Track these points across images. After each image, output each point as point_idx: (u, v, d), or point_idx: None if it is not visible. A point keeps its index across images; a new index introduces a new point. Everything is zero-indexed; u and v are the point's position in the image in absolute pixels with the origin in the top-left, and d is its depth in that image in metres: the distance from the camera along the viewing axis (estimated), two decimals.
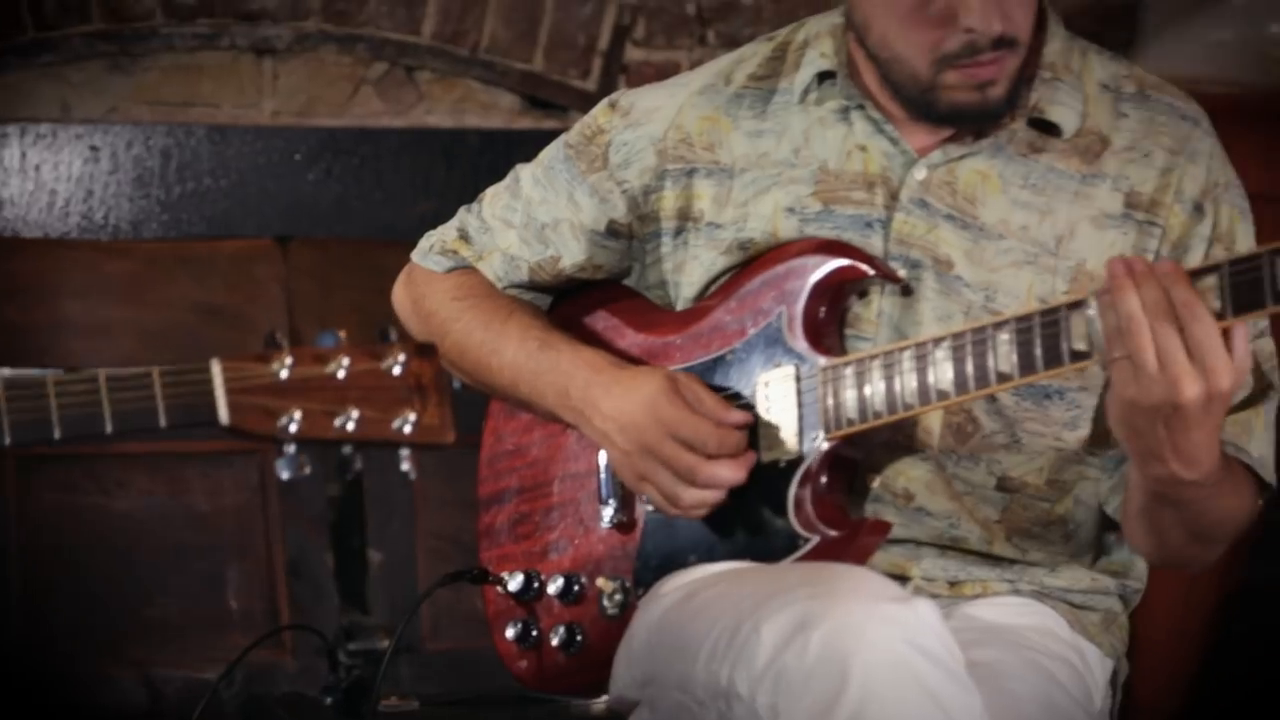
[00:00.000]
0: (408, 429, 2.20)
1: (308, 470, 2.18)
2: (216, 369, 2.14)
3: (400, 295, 2.86)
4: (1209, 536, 2.48)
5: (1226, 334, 2.23)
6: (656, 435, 2.53)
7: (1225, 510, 2.45)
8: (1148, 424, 2.28)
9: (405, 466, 2.21)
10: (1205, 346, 2.22)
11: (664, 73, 4.20)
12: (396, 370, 2.19)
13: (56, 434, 2.14)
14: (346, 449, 2.20)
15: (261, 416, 2.16)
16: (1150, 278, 2.24)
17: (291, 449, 2.18)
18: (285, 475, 2.18)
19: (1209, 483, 2.34)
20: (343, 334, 2.18)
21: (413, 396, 2.18)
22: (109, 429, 2.14)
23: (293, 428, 2.17)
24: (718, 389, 2.58)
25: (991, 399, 2.50)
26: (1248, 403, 2.50)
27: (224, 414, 2.15)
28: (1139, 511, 2.46)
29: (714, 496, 2.53)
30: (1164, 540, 2.48)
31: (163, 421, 2.14)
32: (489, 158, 4.40)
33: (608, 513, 2.67)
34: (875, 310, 2.55)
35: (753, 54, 2.69)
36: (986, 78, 2.46)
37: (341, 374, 2.19)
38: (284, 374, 2.17)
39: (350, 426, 2.19)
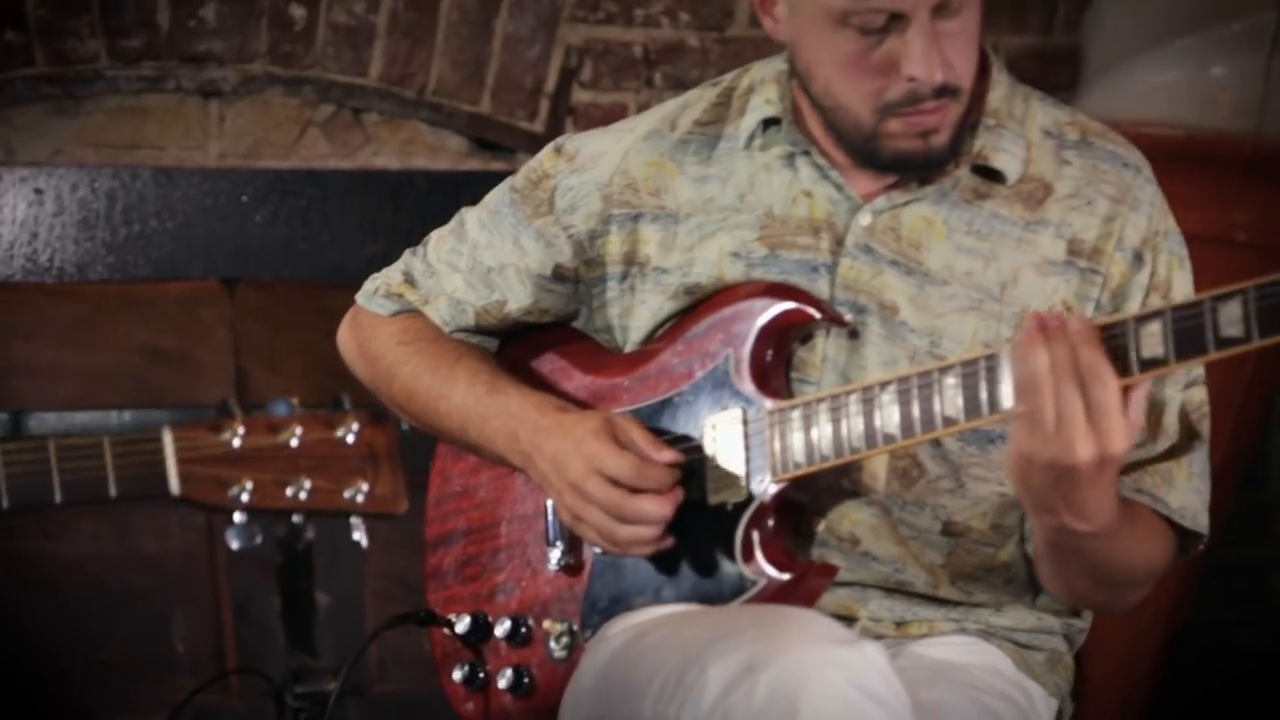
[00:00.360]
0: (360, 499, 2.20)
1: (259, 540, 2.17)
2: (168, 438, 2.13)
3: (345, 338, 2.85)
4: (1114, 582, 2.49)
5: (1127, 391, 2.24)
6: (582, 472, 2.52)
7: (1130, 558, 2.46)
8: (1040, 478, 2.29)
9: (357, 535, 2.21)
10: (1104, 409, 2.23)
11: (611, 115, 4.21)
12: (350, 439, 2.20)
13: (5, 504, 2.13)
14: (298, 518, 2.20)
15: (213, 487, 2.15)
16: (1061, 336, 2.25)
17: (242, 518, 2.17)
18: (236, 545, 2.18)
19: (1105, 534, 2.34)
20: (296, 401, 2.18)
21: (365, 466, 2.18)
22: (58, 498, 2.13)
23: (244, 497, 2.17)
24: (664, 432, 2.59)
25: (936, 443, 2.51)
26: (1170, 454, 2.52)
27: (175, 484, 2.14)
28: (1043, 556, 2.48)
29: (648, 533, 2.52)
30: (1070, 585, 2.50)
31: (113, 492, 2.13)
32: (436, 199, 4.39)
33: (555, 555, 2.67)
34: (820, 354, 2.56)
35: (698, 99, 2.70)
36: (929, 126, 2.48)
37: (294, 443, 2.18)
38: (236, 443, 2.17)
39: (303, 496, 2.19)
